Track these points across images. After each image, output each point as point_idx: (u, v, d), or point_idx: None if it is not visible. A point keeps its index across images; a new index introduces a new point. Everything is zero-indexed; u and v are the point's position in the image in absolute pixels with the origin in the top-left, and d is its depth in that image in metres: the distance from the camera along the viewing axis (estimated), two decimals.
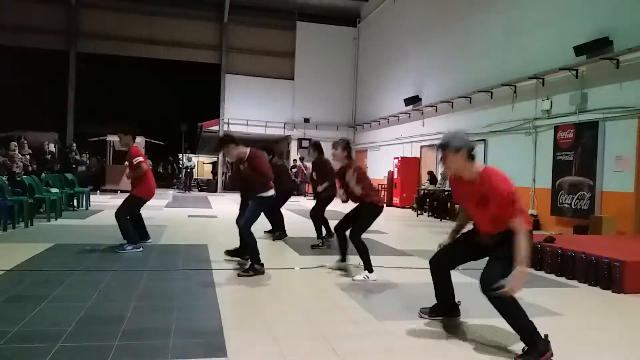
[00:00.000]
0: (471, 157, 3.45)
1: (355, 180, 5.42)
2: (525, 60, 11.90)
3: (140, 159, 6.66)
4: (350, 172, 5.47)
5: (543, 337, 3.25)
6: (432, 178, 14.91)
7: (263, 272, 5.39)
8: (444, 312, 3.96)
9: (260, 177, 5.50)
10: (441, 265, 3.87)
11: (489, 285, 3.30)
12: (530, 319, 4.24)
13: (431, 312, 3.98)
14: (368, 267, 5.44)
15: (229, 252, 6.29)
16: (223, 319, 3.72)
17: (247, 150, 5.69)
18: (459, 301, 4.00)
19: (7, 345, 3.06)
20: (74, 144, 18.71)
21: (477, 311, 4.40)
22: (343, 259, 6.02)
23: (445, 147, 3.46)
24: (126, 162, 6.83)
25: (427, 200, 14.29)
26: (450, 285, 3.90)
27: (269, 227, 8.45)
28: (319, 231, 7.69)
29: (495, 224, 3.44)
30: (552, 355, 3.19)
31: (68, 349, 3.03)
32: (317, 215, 7.73)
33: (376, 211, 5.52)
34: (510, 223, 3.29)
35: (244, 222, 5.51)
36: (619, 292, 5.07)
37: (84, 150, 20.57)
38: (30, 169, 12.00)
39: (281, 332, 3.52)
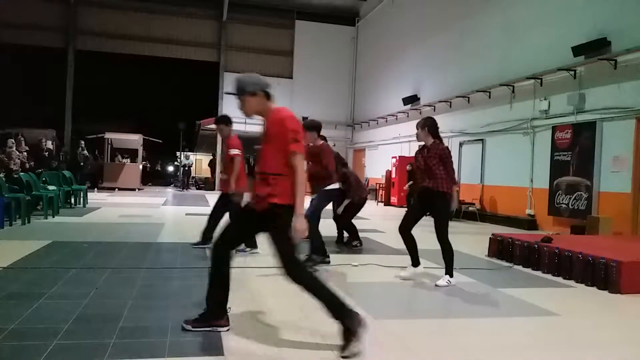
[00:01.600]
0: (268, 96, 3.35)
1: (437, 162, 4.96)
2: (524, 61, 11.92)
3: (237, 151, 6.19)
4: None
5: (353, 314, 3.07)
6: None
7: (328, 262, 5.55)
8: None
9: (325, 172, 5.50)
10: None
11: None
12: (526, 318, 4.25)
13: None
14: (449, 271, 5.15)
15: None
16: None
17: (321, 143, 5.67)
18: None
19: (3, 342, 3.05)
20: (82, 142, 18.79)
21: (477, 311, 4.40)
22: (416, 263, 5.40)
23: (241, 93, 3.32)
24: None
25: None
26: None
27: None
28: (353, 233, 7.27)
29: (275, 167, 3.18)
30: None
31: (64, 346, 3.02)
32: (346, 220, 7.33)
33: (450, 201, 5.01)
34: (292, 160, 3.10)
35: (309, 212, 5.27)
36: (615, 293, 5.08)
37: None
38: (27, 166, 11.97)
39: (278, 330, 3.52)
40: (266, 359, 3.02)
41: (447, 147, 5.11)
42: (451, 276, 5.13)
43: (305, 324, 3.72)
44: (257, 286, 4.88)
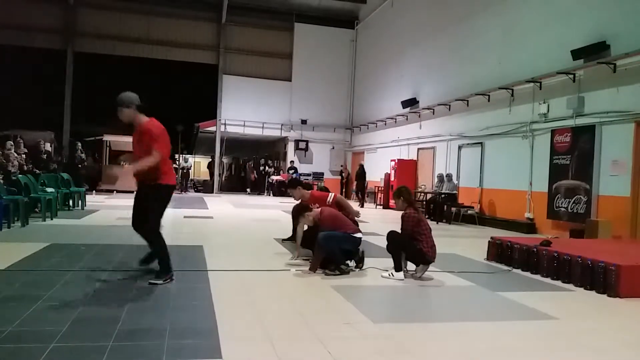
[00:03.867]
0: (139, 109, 4.72)
1: None
2: (523, 64, 11.94)
3: (332, 194, 6.87)
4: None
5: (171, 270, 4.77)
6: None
7: (348, 272, 5.63)
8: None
9: None
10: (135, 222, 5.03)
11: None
12: (525, 322, 4.26)
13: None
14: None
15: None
16: (218, 320, 3.70)
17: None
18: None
19: (1, 345, 3.03)
20: (79, 143, 18.76)
21: (476, 315, 4.40)
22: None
23: (120, 104, 4.70)
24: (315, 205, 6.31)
25: (424, 202, 14.27)
26: None
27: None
28: None
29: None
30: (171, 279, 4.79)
31: (62, 349, 3.00)
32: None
33: None
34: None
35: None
36: (614, 296, 5.08)
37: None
38: (25, 168, 11.93)
39: (276, 333, 3.51)
40: None
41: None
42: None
43: (304, 328, 3.71)
44: (257, 290, 4.87)
